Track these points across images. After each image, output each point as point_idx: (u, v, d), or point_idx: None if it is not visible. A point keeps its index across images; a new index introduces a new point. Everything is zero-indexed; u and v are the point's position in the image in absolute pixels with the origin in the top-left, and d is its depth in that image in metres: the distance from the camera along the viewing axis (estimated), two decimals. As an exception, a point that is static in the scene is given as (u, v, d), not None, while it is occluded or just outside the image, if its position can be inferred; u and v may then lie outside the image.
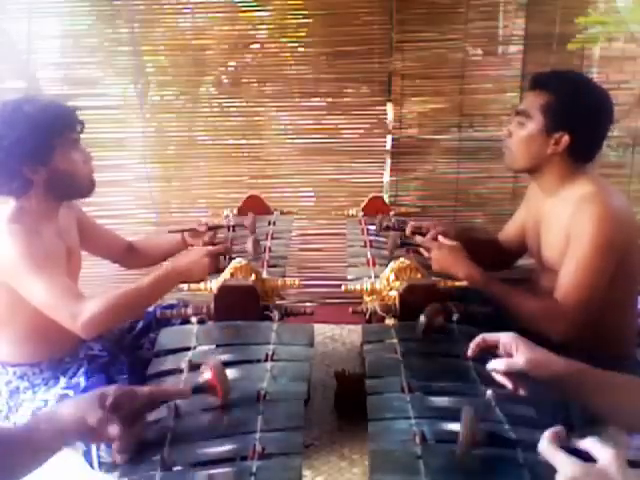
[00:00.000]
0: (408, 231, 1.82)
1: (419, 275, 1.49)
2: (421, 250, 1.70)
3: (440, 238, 1.68)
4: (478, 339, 1.09)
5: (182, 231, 1.94)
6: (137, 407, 0.95)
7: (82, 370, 1.60)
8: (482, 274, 1.54)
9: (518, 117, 1.58)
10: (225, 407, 1.06)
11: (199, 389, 1.05)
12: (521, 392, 1.02)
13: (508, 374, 1.02)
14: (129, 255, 1.97)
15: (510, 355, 1.03)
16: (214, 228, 1.94)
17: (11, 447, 0.88)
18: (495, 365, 1.03)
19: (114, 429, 0.91)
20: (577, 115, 1.49)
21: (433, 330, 1.29)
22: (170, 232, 1.98)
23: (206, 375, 1.05)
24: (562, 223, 1.49)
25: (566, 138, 1.50)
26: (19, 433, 0.92)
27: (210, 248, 1.64)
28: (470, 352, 1.10)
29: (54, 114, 1.53)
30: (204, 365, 1.08)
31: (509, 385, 1.03)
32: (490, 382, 1.12)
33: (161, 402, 1.02)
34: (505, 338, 1.05)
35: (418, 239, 1.71)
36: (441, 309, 1.33)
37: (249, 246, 1.70)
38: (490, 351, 1.08)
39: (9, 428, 0.92)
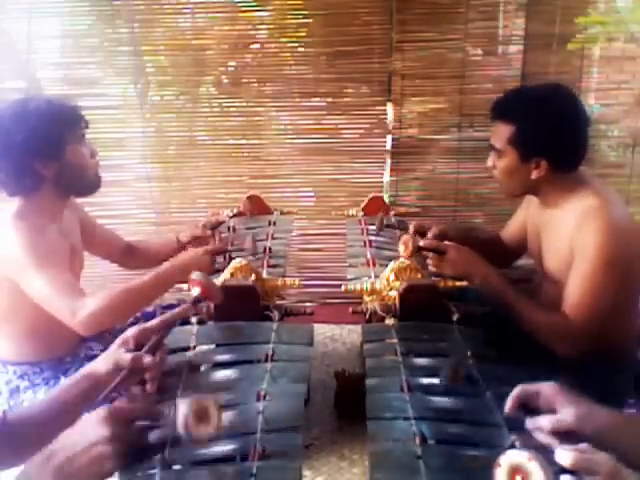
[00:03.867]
0: (411, 230, 1.80)
1: (419, 275, 1.49)
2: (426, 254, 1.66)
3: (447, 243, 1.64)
4: (517, 391, 0.95)
5: (187, 242, 1.92)
6: (155, 338, 1.06)
7: (82, 370, 1.60)
8: (499, 278, 1.51)
9: (493, 150, 1.55)
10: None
11: (197, 301, 1.19)
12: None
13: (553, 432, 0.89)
14: (128, 256, 1.98)
15: (552, 409, 0.91)
16: (216, 227, 1.94)
17: (42, 417, 0.96)
18: (540, 424, 0.89)
19: (148, 358, 1.02)
20: (546, 139, 1.44)
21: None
22: (180, 240, 1.94)
23: (195, 291, 1.18)
24: (565, 235, 1.46)
25: (544, 162, 1.46)
26: (52, 399, 1.00)
27: (209, 247, 1.64)
28: (508, 408, 0.94)
29: (62, 110, 1.55)
30: (190, 282, 1.20)
31: (556, 444, 0.86)
32: (490, 382, 1.12)
33: (172, 326, 1.12)
34: (547, 389, 0.93)
35: (428, 243, 1.66)
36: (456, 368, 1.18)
37: (247, 244, 1.69)
38: (528, 405, 0.94)
39: (40, 402, 1.02)
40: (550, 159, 1.46)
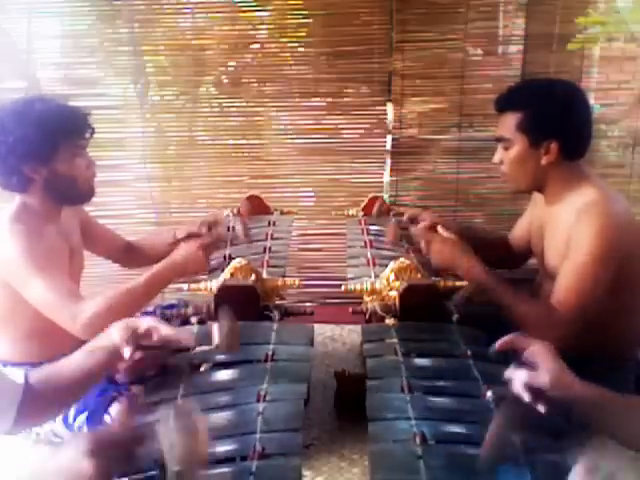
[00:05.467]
0: (405, 217, 1.80)
1: (419, 275, 1.49)
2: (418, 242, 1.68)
3: (440, 230, 1.65)
4: (511, 337, 1.03)
5: (182, 239, 1.93)
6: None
7: (82, 370, 1.60)
8: (483, 269, 1.52)
9: (500, 143, 1.56)
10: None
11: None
12: (540, 408, 0.94)
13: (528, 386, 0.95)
14: (127, 254, 1.98)
15: (534, 365, 0.97)
16: (213, 226, 1.94)
17: (66, 377, 1.04)
18: (517, 376, 0.96)
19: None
20: (555, 120, 1.47)
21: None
22: (177, 237, 1.95)
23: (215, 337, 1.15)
24: (564, 230, 1.47)
25: (554, 144, 1.47)
26: (72, 366, 1.06)
27: (202, 241, 1.63)
28: (498, 345, 1.03)
29: (63, 116, 1.52)
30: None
31: (526, 398, 0.94)
32: (490, 382, 1.12)
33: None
34: (537, 347, 0.99)
35: (416, 230, 1.68)
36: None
37: (239, 232, 1.67)
38: (514, 352, 1.02)
39: (60, 365, 1.08)
40: (560, 140, 1.47)
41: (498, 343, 1.03)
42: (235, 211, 2.14)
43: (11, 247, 1.45)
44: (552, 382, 0.94)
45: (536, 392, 0.94)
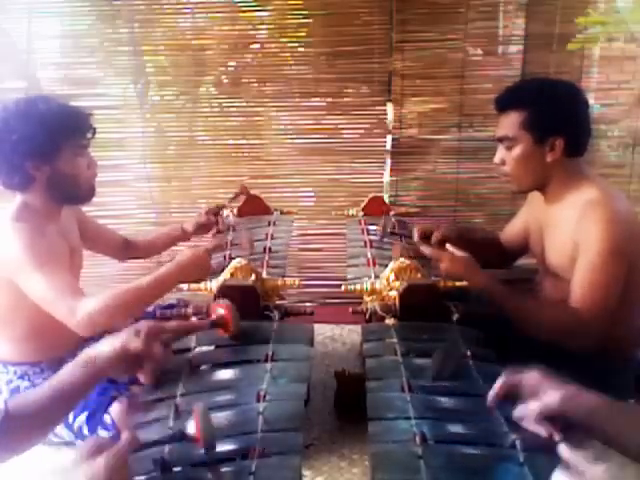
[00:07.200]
0: (416, 237, 1.80)
1: (419, 275, 1.49)
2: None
3: (449, 247, 1.62)
4: (500, 383, 0.97)
5: (192, 231, 1.99)
6: (166, 337, 1.08)
7: (82, 370, 1.60)
8: (497, 285, 1.51)
9: (503, 143, 1.55)
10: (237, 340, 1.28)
11: (215, 324, 1.26)
12: (557, 437, 0.88)
13: (541, 419, 0.89)
14: (126, 250, 2.00)
15: (536, 396, 0.91)
16: (218, 212, 2.00)
17: (44, 401, 0.96)
18: (527, 411, 0.90)
19: (158, 347, 1.02)
20: (559, 115, 1.48)
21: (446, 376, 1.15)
22: (185, 229, 2.00)
23: (220, 311, 1.26)
24: (568, 229, 1.47)
25: (561, 140, 1.48)
26: (53, 385, 0.99)
27: (208, 245, 1.65)
28: (491, 399, 0.98)
29: (66, 116, 1.53)
30: (216, 304, 1.28)
31: (543, 432, 0.89)
32: (491, 382, 1.12)
33: (184, 335, 1.18)
34: (530, 379, 0.94)
35: (426, 250, 1.64)
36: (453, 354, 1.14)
37: (244, 244, 1.68)
38: (512, 394, 0.96)
39: (42, 386, 1.00)
40: (564, 137, 1.48)
41: (491, 397, 0.98)
42: (235, 211, 2.14)
43: (13, 244, 1.45)
44: (562, 400, 0.88)
45: (550, 420, 0.88)
